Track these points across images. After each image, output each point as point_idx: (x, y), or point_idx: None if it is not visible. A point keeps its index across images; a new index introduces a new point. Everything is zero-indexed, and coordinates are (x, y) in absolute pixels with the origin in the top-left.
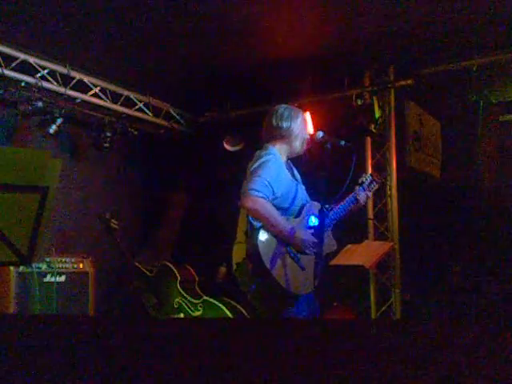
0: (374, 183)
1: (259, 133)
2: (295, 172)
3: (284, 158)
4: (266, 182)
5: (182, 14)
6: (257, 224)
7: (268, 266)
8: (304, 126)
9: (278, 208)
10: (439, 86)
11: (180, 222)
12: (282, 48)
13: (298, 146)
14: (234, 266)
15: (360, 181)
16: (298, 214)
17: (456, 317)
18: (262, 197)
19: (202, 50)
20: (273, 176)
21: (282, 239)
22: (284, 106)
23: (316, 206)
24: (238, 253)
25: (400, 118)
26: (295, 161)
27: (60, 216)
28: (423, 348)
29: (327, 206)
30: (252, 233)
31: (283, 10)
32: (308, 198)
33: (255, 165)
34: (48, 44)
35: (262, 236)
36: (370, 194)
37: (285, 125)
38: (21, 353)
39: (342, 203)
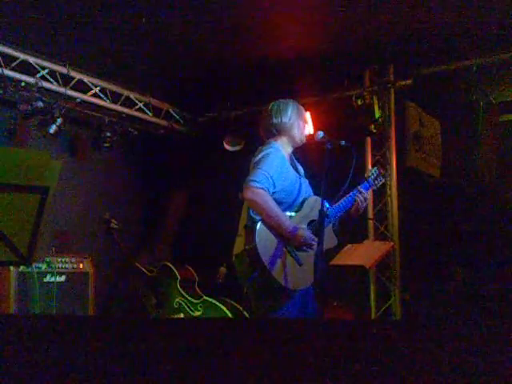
0: (381, 178)
1: (259, 132)
2: (298, 166)
3: (287, 152)
4: (267, 174)
5: (182, 14)
6: (256, 217)
7: (264, 259)
8: (297, 114)
9: (282, 202)
10: (439, 85)
11: (180, 221)
12: (282, 48)
13: (297, 135)
14: (233, 258)
15: (366, 175)
16: (299, 209)
17: (456, 317)
18: (261, 187)
19: (201, 50)
20: (274, 169)
21: (280, 232)
22: (275, 102)
23: (317, 200)
24: (238, 245)
25: (400, 118)
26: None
27: (60, 216)
28: (423, 348)
29: (327, 203)
30: (251, 226)
31: (283, 10)
32: (311, 193)
33: (257, 158)
34: (48, 44)
35: (260, 229)
36: (367, 196)
37: (275, 120)
38: (21, 353)
39: (343, 199)
